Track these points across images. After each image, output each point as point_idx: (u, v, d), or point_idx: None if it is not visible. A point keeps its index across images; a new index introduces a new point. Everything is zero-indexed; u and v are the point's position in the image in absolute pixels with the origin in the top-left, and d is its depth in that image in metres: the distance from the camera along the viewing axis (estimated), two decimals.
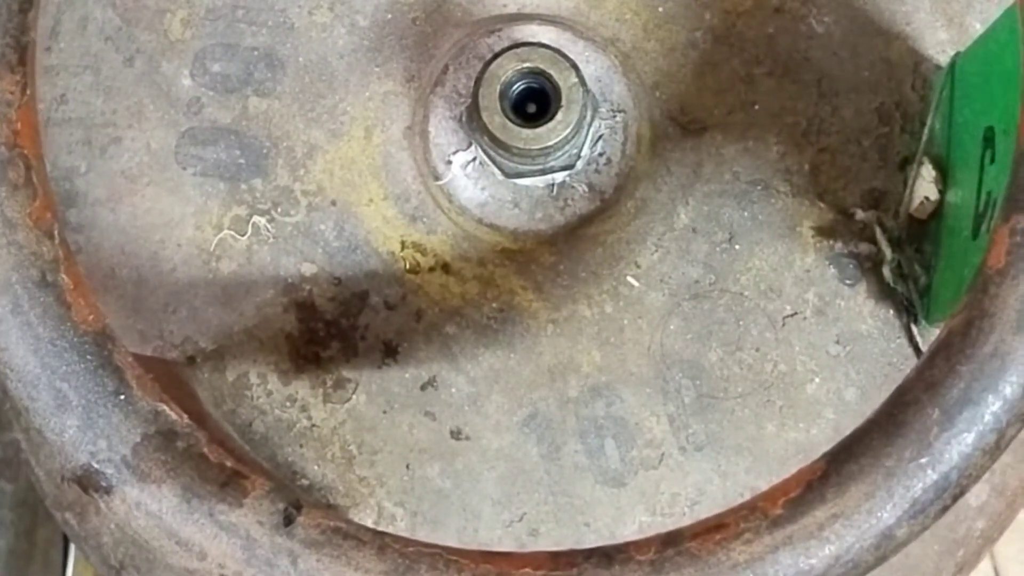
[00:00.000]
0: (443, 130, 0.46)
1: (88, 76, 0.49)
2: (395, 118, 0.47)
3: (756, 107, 0.47)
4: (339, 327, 0.47)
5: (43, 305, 0.31)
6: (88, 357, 0.31)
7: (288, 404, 0.46)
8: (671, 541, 0.30)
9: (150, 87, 0.48)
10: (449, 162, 0.46)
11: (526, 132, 0.42)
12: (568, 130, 0.42)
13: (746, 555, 0.30)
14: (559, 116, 0.42)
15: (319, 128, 0.48)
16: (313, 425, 0.46)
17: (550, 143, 0.42)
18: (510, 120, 0.42)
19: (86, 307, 0.31)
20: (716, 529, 0.30)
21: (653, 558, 0.30)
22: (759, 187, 0.47)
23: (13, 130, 0.31)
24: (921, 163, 0.46)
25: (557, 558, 0.30)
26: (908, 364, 0.47)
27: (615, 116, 0.46)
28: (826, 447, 0.36)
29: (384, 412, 0.46)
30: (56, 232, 0.31)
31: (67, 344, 0.30)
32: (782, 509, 0.30)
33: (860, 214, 0.47)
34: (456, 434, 0.46)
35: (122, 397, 0.30)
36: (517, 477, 0.46)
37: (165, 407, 0.31)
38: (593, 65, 0.46)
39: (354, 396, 0.46)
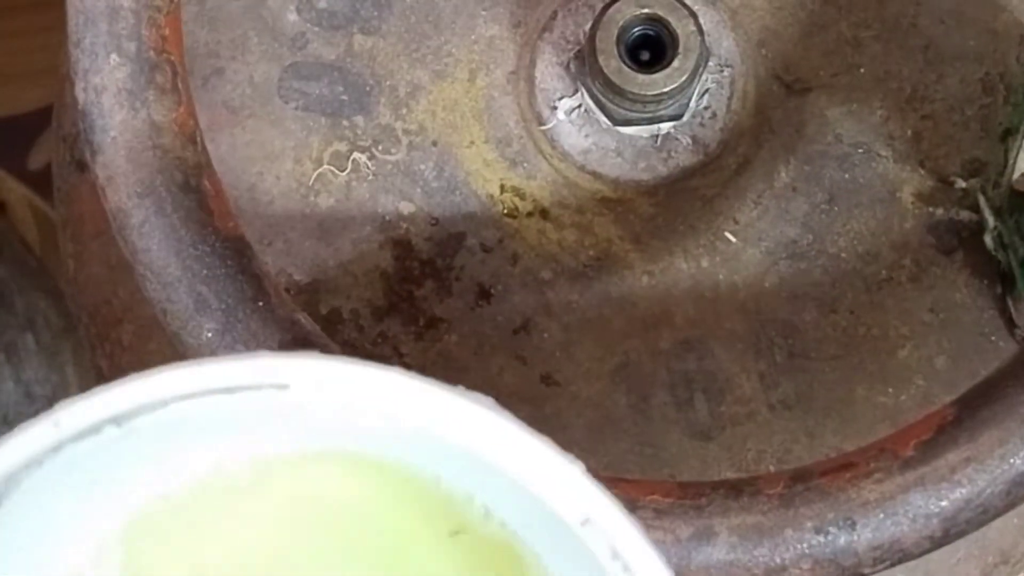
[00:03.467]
0: (549, 76, 0.46)
1: (193, 6, 0.49)
2: (500, 62, 0.47)
3: (861, 70, 0.47)
4: (434, 267, 0.47)
5: (186, 209, 0.31)
6: (228, 263, 0.31)
7: (380, 340, 0.46)
8: (800, 477, 0.30)
9: (255, 20, 0.48)
10: (554, 108, 0.46)
11: (642, 77, 0.42)
12: (684, 78, 0.42)
13: (876, 494, 0.30)
14: (676, 63, 0.42)
15: (423, 68, 0.48)
16: (404, 363, 0.46)
17: (665, 90, 0.42)
18: (626, 65, 0.42)
19: (226, 214, 0.31)
20: (846, 468, 0.30)
21: (782, 492, 0.30)
22: (861, 150, 0.47)
23: (162, 35, 0.32)
24: None
25: (685, 488, 0.30)
26: (1000, 335, 0.47)
27: (722, 71, 0.46)
28: (914, 414, 0.36)
29: (475, 354, 0.46)
30: (199, 138, 0.32)
31: (208, 248, 0.31)
32: (913, 451, 0.30)
33: (961, 182, 0.47)
34: (546, 379, 0.46)
35: (260, 304, 0.31)
36: (605, 425, 0.46)
37: (301, 317, 0.31)
38: (702, 19, 0.46)
39: (446, 336, 0.46)
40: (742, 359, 0.46)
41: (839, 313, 0.46)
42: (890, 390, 0.47)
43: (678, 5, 0.42)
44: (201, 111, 0.48)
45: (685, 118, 0.45)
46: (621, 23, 0.42)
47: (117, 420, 0.22)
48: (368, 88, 0.48)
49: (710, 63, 0.45)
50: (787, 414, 0.46)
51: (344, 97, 0.48)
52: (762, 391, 0.46)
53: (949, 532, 0.30)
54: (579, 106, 0.46)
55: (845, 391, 0.46)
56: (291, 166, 0.47)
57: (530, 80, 0.46)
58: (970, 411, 0.30)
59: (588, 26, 0.44)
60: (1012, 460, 0.30)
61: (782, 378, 0.46)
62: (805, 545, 0.29)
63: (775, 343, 0.46)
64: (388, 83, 0.48)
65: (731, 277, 0.46)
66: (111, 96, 0.31)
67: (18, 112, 0.86)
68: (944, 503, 0.30)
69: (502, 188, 0.47)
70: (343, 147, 0.47)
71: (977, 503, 0.30)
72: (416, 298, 0.47)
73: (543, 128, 0.46)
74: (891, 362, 0.46)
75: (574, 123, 0.46)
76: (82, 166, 0.49)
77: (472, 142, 0.47)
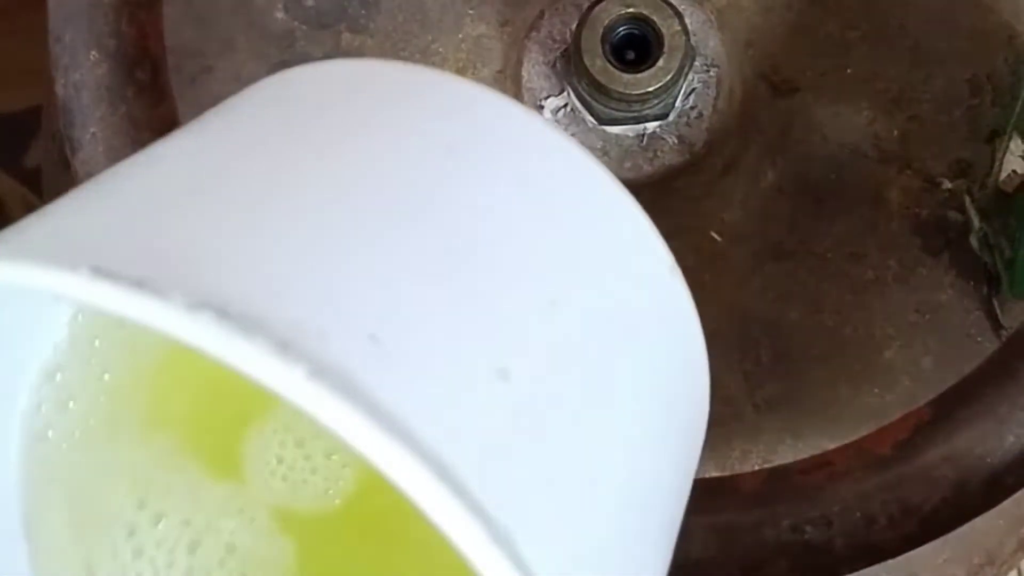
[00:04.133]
0: (536, 75, 0.46)
1: (181, 5, 0.49)
2: (487, 61, 0.47)
3: (848, 71, 0.47)
4: None
5: None
6: None
7: None
8: (778, 475, 0.30)
9: (243, 19, 0.48)
10: (541, 107, 0.46)
11: (627, 76, 0.42)
12: (669, 77, 0.42)
13: (853, 492, 0.30)
14: (660, 63, 0.42)
15: None
16: None
17: (650, 89, 0.42)
18: (611, 64, 0.42)
19: None
20: (823, 466, 0.30)
21: (759, 490, 0.30)
22: (847, 151, 0.47)
23: (142, 32, 0.31)
24: (1011, 137, 0.46)
25: None
26: (986, 336, 0.47)
27: (708, 71, 0.46)
28: (900, 414, 0.36)
29: None
30: None
31: None
32: (891, 450, 0.30)
33: (948, 183, 0.47)
34: None
35: None
36: None
37: None
38: (689, 18, 0.46)
39: None
40: (727, 359, 0.46)
41: (825, 313, 0.46)
42: (876, 390, 0.47)
43: (663, 4, 0.42)
44: (189, 109, 0.48)
45: (671, 118, 0.45)
46: (606, 22, 0.42)
47: None
48: None
49: (696, 63, 0.45)
50: (772, 414, 0.46)
51: None
52: (747, 391, 0.46)
53: (927, 532, 0.30)
54: (565, 105, 0.46)
55: (831, 391, 0.46)
56: None
57: (517, 79, 0.46)
58: (947, 411, 0.30)
59: (575, 25, 0.44)
60: (989, 460, 0.30)
61: (767, 378, 0.46)
62: (781, 544, 0.29)
63: (760, 343, 0.46)
64: None
65: (717, 277, 0.46)
66: (91, 92, 0.31)
67: (14, 109, 0.86)
68: (921, 503, 0.30)
69: None
70: None
71: (954, 503, 0.30)
72: None
73: None
74: (877, 362, 0.46)
75: (560, 122, 0.46)
76: (69, 164, 0.49)
77: None
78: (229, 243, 0.18)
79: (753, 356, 0.46)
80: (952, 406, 0.31)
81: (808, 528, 0.29)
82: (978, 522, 0.48)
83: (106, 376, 0.25)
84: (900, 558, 0.42)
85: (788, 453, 0.46)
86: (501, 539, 0.16)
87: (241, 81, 0.48)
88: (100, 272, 0.16)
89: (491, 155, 0.23)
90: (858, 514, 0.30)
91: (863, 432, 0.37)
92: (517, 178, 0.23)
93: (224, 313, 0.16)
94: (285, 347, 0.16)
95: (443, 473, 0.16)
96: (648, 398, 0.22)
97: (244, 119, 0.23)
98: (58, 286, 0.17)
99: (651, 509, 0.22)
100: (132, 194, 0.20)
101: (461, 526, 0.16)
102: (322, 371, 0.16)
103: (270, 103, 0.23)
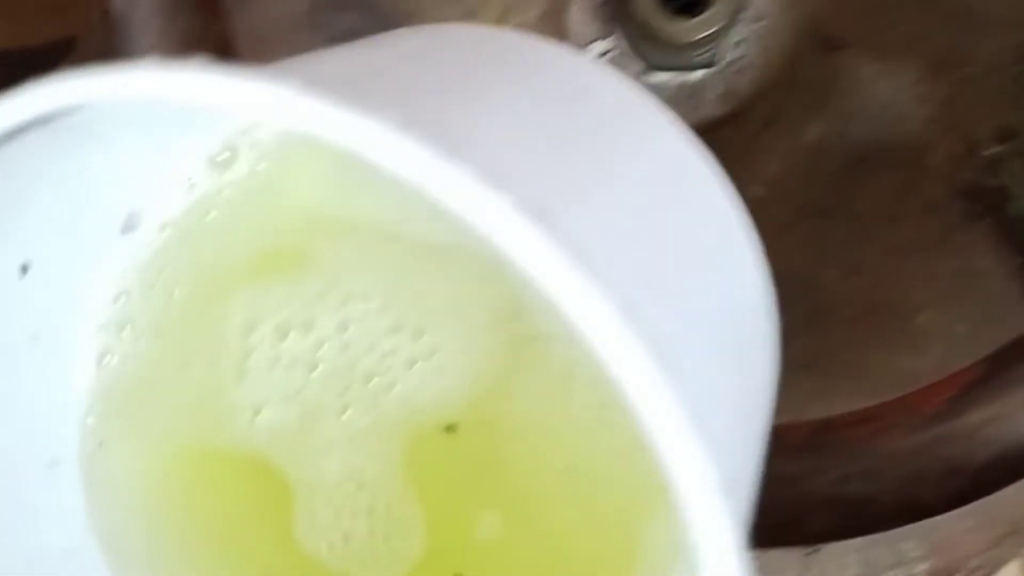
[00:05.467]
0: (582, 19, 0.46)
1: None
2: (532, 3, 0.47)
3: (897, 30, 0.47)
4: None
5: None
6: None
7: None
8: (824, 428, 0.30)
9: None
10: (586, 51, 0.46)
11: (675, 23, 0.42)
12: (719, 25, 0.42)
13: (899, 448, 0.30)
14: (712, 10, 0.42)
15: (454, 6, 0.47)
16: None
17: (699, 36, 0.42)
18: (660, 9, 0.42)
19: None
20: (870, 420, 0.30)
21: (802, 443, 0.30)
22: (891, 111, 0.46)
23: None
24: None
25: None
26: (1021, 304, 0.46)
27: (758, 22, 0.45)
28: (931, 378, 0.36)
29: None
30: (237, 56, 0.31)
31: None
32: (940, 407, 0.30)
33: (991, 148, 0.46)
34: None
35: None
36: None
37: None
38: None
39: None
40: None
41: (861, 274, 0.46)
42: (907, 354, 0.46)
43: None
44: (242, 29, 0.48)
45: (717, 68, 0.45)
46: None
47: None
48: (397, 23, 0.47)
49: (745, 13, 0.45)
50: (802, 373, 0.46)
51: (372, 31, 0.47)
52: None
53: (970, 491, 0.30)
54: (611, 50, 0.45)
55: (862, 353, 0.46)
56: None
57: (562, 22, 0.46)
58: (998, 369, 0.30)
59: None
60: None
61: (799, 337, 0.46)
62: (826, 497, 0.29)
63: (794, 300, 0.46)
64: (418, 19, 0.47)
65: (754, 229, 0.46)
66: (147, 5, 0.30)
67: (34, 43, 0.85)
68: (968, 461, 0.29)
69: None
70: None
71: (1002, 462, 0.29)
72: None
73: None
74: (910, 327, 0.46)
75: None
76: None
77: None
78: (428, 102, 0.20)
79: (786, 314, 0.46)
80: (1003, 365, 0.30)
81: (853, 482, 0.29)
82: (1006, 489, 0.48)
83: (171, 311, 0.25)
84: (924, 523, 0.42)
85: (816, 414, 0.46)
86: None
87: (285, 10, 0.47)
88: (307, 89, 0.16)
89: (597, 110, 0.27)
90: (904, 470, 0.29)
91: (892, 395, 0.37)
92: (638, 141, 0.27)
93: (429, 138, 0.16)
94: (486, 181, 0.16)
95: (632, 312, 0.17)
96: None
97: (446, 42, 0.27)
98: (266, 98, 0.16)
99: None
100: (346, 62, 0.22)
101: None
102: (524, 205, 0.16)
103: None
